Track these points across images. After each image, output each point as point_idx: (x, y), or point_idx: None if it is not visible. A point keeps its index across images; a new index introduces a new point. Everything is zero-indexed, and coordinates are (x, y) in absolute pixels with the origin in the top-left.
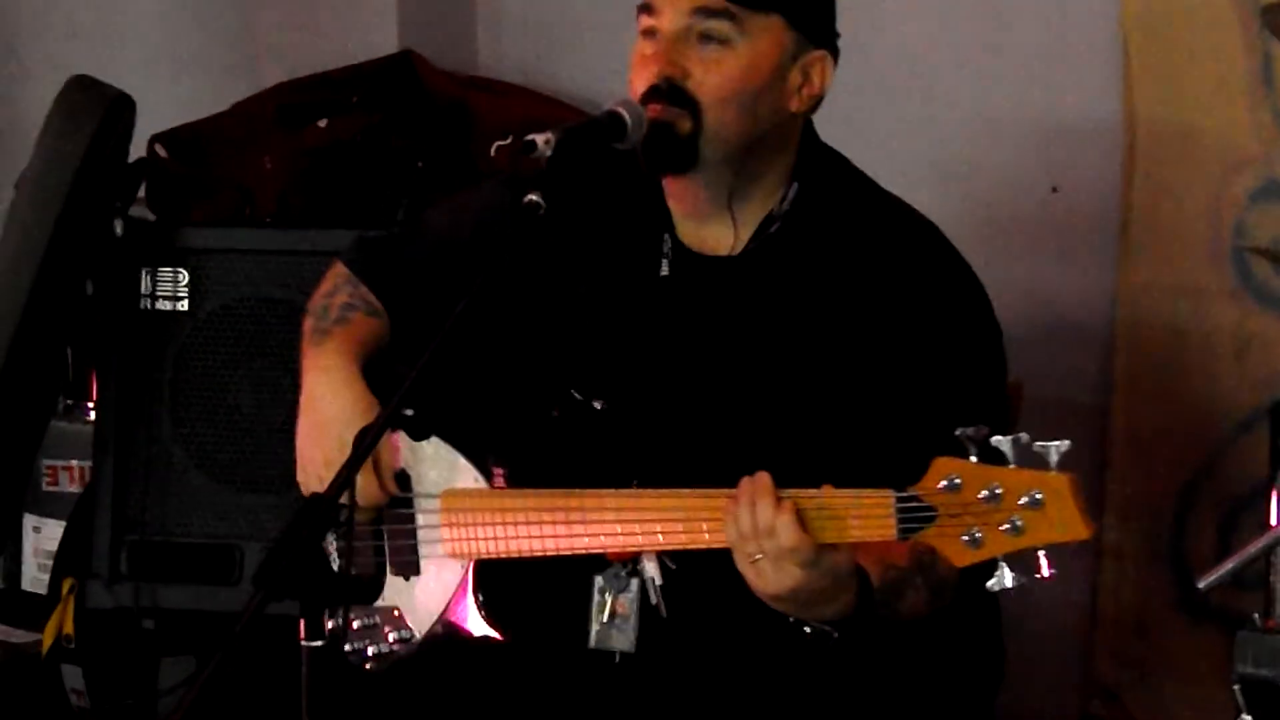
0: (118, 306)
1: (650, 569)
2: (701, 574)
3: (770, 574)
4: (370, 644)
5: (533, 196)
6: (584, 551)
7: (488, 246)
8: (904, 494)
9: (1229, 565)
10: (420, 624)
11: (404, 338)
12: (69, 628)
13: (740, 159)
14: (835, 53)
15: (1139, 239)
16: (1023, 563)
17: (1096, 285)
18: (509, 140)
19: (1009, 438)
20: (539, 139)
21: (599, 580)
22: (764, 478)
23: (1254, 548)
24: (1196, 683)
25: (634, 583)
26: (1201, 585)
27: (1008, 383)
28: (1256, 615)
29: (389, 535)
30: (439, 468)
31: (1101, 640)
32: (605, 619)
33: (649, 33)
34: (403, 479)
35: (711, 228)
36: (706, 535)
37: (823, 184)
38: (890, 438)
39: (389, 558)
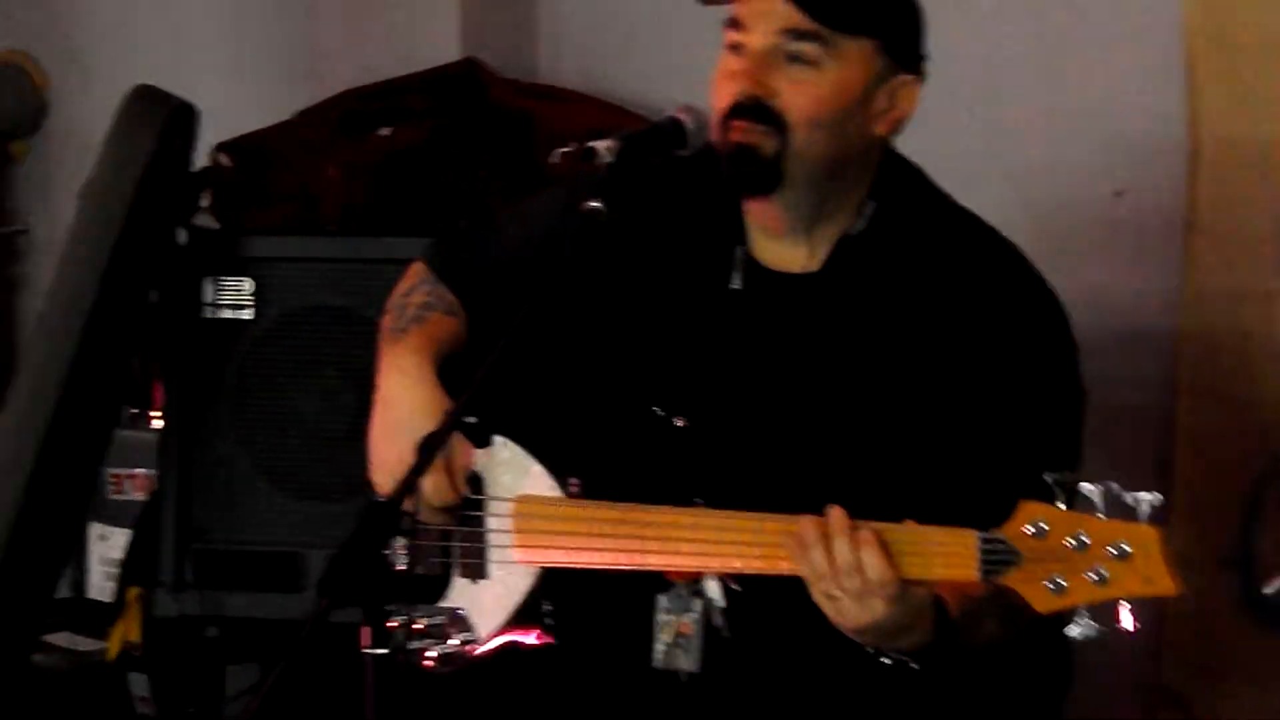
0: (181, 315)
1: (713, 590)
2: (766, 596)
3: (852, 609)
4: (433, 644)
5: (594, 203)
6: (657, 569)
7: (550, 253)
8: (988, 536)
9: None
10: (485, 627)
11: (481, 338)
12: (135, 635)
13: (824, 181)
14: (923, 76)
15: (1203, 242)
16: (1104, 612)
17: (1160, 289)
18: (571, 148)
19: (1098, 486)
20: (600, 146)
21: (662, 600)
22: (837, 514)
23: None
24: (1263, 688)
25: (697, 603)
26: (1268, 590)
27: None
28: None
29: (458, 537)
30: (513, 472)
31: (1168, 646)
32: (670, 639)
33: (735, 48)
34: (476, 481)
35: (787, 245)
36: (784, 563)
37: (901, 202)
38: (967, 469)
39: (457, 559)
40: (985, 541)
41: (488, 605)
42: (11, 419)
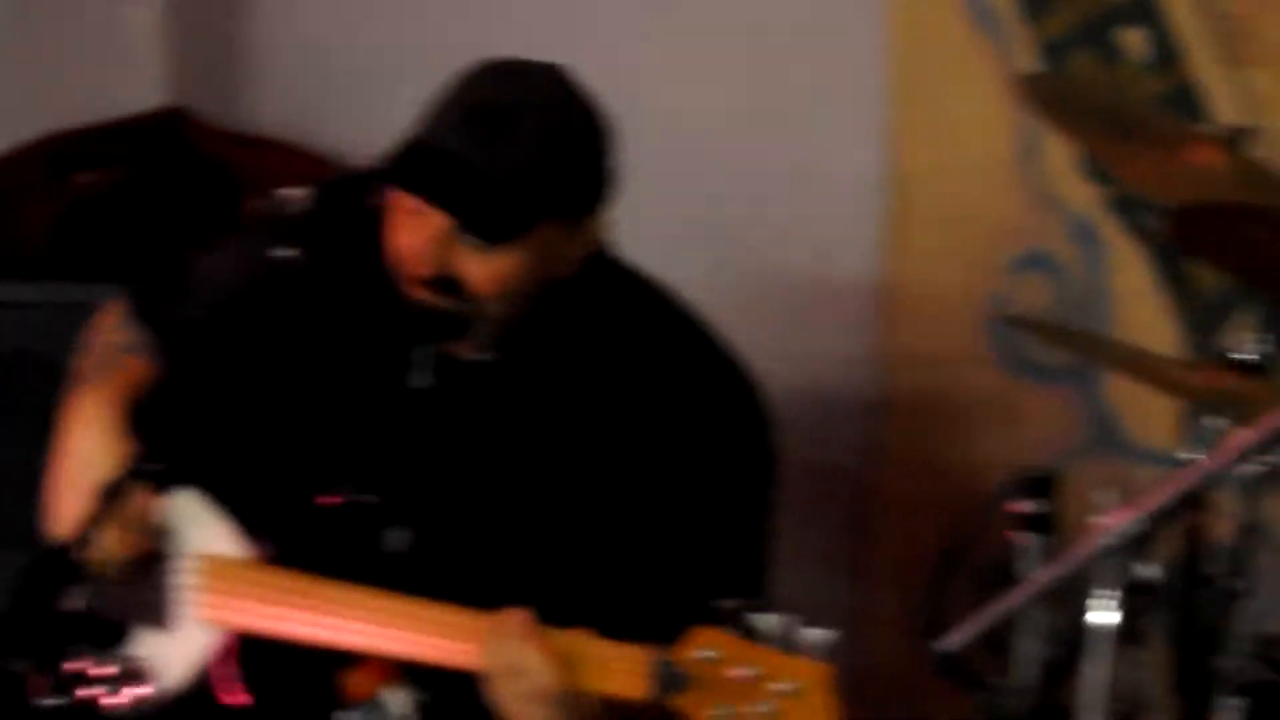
0: None
1: (395, 705)
2: (459, 702)
3: (515, 709)
4: (109, 692)
5: (284, 250)
6: (342, 646)
7: (242, 300)
8: (661, 657)
9: (970, 629)
10: (165, 678)
11: (173, 384)
12: None
13: (513, 319)
14: (608, 203)
15: (901, 306)
16: None
17: (861, 350)
18: (267, 197)
19: (775, 617)
20: (291, 193)
21: (341, 717)
22: (516, 616)
23: (996, 612)
24: None
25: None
26: (940, 648)
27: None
28: (998, 678)
29: (142, 588)
30: (203, 529)
31: (861, 706)
32: None
33: (415, 212)
34: (164, 534)
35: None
36: (462, 656)
37: (581, 280)
38: (649, 582)
39: (140, 609)
40: (657, 663)
41: (170, 657)
42: None
